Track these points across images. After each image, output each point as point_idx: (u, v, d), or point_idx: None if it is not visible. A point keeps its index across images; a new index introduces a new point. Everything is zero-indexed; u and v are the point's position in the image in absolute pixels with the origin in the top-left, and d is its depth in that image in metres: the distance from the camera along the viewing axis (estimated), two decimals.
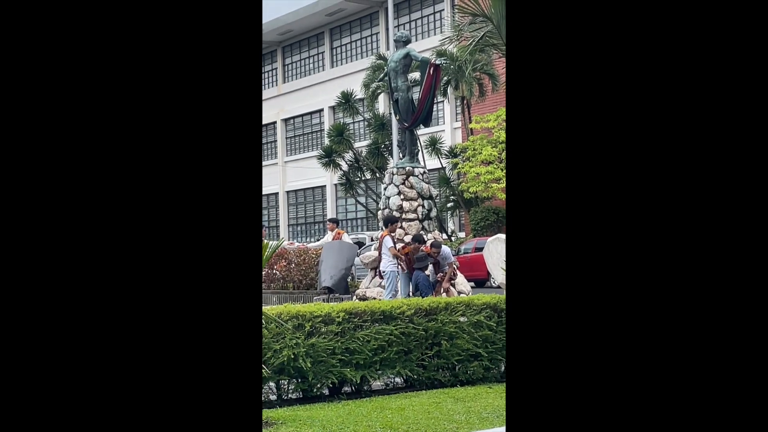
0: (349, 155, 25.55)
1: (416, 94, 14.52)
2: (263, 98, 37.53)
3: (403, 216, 13.81)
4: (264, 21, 35.47)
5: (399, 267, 12.21)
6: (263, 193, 37.51)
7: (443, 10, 30.53)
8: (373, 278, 13.83)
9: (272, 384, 7.55)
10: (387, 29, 29.77)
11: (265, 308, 7.35)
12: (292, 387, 7.63)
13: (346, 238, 15.56)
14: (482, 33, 13.51)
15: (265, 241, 13.41)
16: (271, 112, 37.23)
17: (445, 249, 12.28)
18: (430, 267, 11.95)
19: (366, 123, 27.34)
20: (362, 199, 27.51)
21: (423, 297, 9.94)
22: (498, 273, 17.02)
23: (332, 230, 15.46)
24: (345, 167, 25.63)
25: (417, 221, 13.86)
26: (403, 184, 14.08)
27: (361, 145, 27.13)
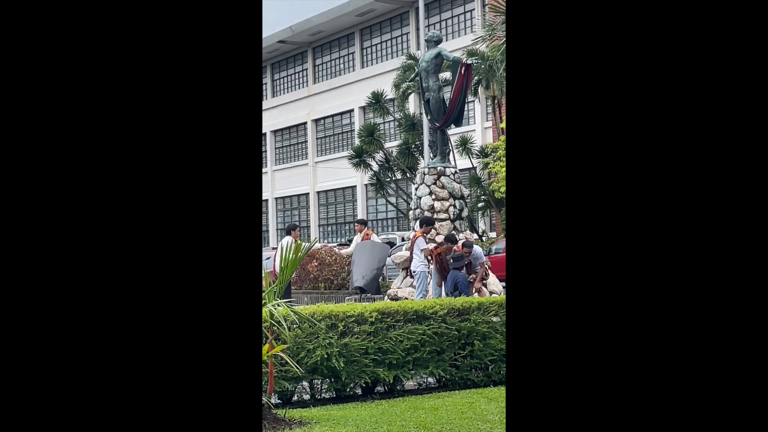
0: (379, 155, 25.56)
1: (447, 94, 14.51)
2: (293, 99, 37.70)
3: (435, 216, 13.80)
4: (294, 22, 35.60)
5: (429, 267, 12.20)
6: (294, 193, 37.67)
7: (474, 9, 30.45)
8: (404, 278, 13.82)
9: (305, 383, 7.58)
10: (417, 29, 29.76)
11: (298, 308, 7.39)
12: (326, 386, 7.66)
13: (375, 238, 15.56)
14: None
15: (299, 241, 13.44)
16: (302, 112, 37.36)
17: (477, 249, 12.26)
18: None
19: (396, 123, 27.34)
20: (393, 200, 27.52)
21: (467, 296, 9.96)
22: None
23: (360, 231, 15.47)
24: (375, 167, 25.65)
25: (448, 221, 13.84)
26: (435, 184, 14.06)
27: (392, 145, 27.13)
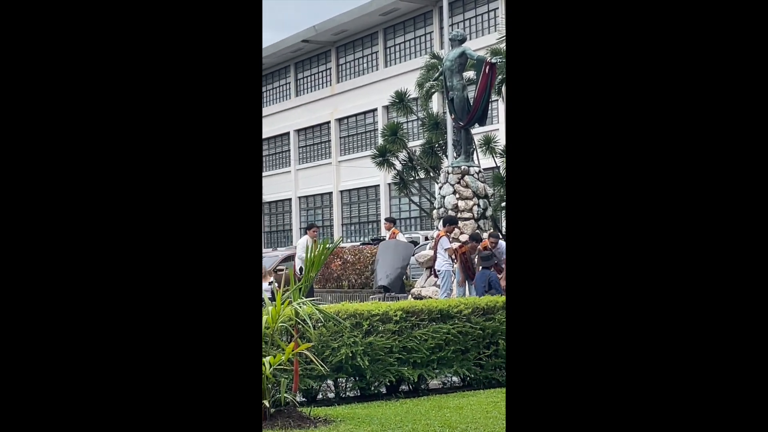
0: (402, 154, 25.54)
1: (471, 93, 14.47)
2: (317, 98, 37.76)
3: (459, 215, 13.79)
4: (318, 21, 35.66)
5: (453, 266, 12.20)
6: (318, 192, 37.74)
7: (498, 8, 30.34)
8: (428, 277, 13.82)
9: (330, 382, 7.60)
10: (441, 28, 29.70)
11: (323, 306, 7.40)
12: (350, 385, 7.68)
13: (401, 237, 15.57)
14: None
15: (316, 240, 13.42)
16: (325, 111, 37.44)
17: (502, 243, 12.28)
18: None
19: (420, 122, 27.30)
20: (416, 199, 27.49)
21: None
22: None
23: (389, 229, 15.48)
24: (399, 166, 25.63)
25: (472, 220, 13.83)
26: (459, 183, 14.05)
27: (415, 144, 27.10)
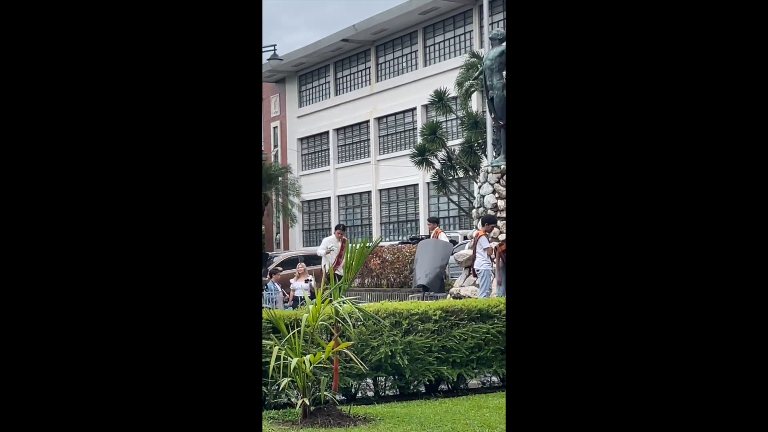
0: (441, 154, 25.51)
1: None
2: (356, 97, 37.83)
3: (498, 215, 13.74)
4: (357, 21, 35.70)
5: (493, 266, 12.15)
6: (357, 191, 37.82)
7: None
8: (467, 277, 13.79)
9: (369, 380, 7.63)
10: (481, 27, 29.60)
11: (363, 305, 7.43)
12: (389, 384, 7.69)
13: (443, 237, 15.56)
14: None
15: (345, 238, 13.40)
16: (364, 110, 37.51)
17: None
18: None
19: (459, 121, 27.25)
20: (455, 198, 27.44)
21: None
22: None
23: (432, 229, 15.48)
24: (438, 166, 25.61)
25: None
26: (498, 182, 13.99)
27: (454, 143, 27.05)
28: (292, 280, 15.61)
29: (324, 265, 14.07)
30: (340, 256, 13.76)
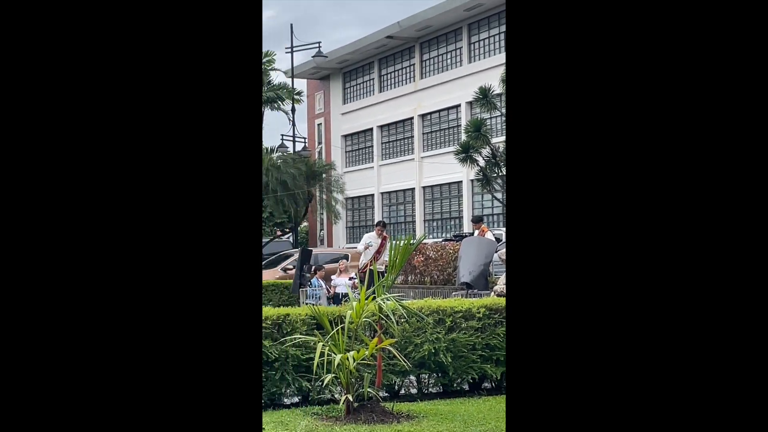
0: (486, 151, 25.41)
1: None
2: (400, 94, 37.84)
3: None
4: (402, 17, 35.70)
5: None
6: (400, 188, 37.83)
7: None
8: None
9: (413, 378, 7.63)
10: None
11: (406, 302, 7.43)
12: (433, 381, 7.69)
13: (489, 235, 15.50)
14: None
15: (386, 235, 13.35)
16: (408, 107, 37.50)
17: None
18: None
19: (503, 118, 27.10)
20: (499, 195, 27.30)
21: None
22: None
23: (477, 228, 15.43)
24: (482, 163, 25.51)
25: None
26: None
27: (499, 140, 26.92)
28: (333, 276, 15.68)
29: (292, 267, 14.14)
30: (378, 252, 13.79)
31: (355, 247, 17.03)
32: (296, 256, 23.90)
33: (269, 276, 19.77)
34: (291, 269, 21.89)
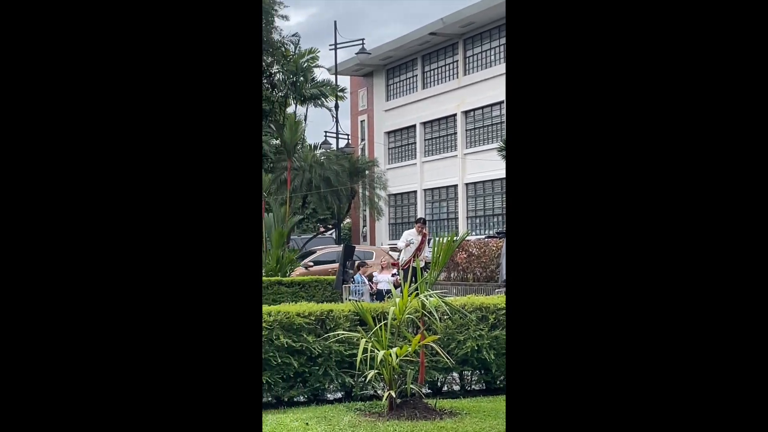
0: None
1: None
2: (443, 91, 37.75)
3: None
4: (446, 14, 35.61)
5: None
6: (443, 185, 37.76)
7: None
8: None
9: (456, 374, 7.63)
10: None
11: (449, 299, 7.43)
12: (475, 378, 7.68)
13: None
14: None
15: (426, 232, 13.31)
16: (452, 104, 37.41)
17: None
18: None
19: None
20: None
21: None
22: None
23: None
24: None
25: None
26: None
27: None
28: (375, 273, 15.72)
29: (401, 259, 14.16)
30: (419, 249, 13.80)
31: (396, 244, 17.06)
32: (319, 253, 24.02)
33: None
34: (312, 266, 22.01)
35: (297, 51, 37.36)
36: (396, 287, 12.23)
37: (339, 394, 7.37)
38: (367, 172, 34.07)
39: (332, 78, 37.50)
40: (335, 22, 41.18)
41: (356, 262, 16.07)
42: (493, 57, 36.09)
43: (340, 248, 18.90)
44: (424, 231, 14.28)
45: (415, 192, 39.51)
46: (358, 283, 15.03)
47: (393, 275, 14.97)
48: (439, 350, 6.80)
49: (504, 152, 25.31)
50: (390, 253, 23.09)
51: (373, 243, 38.16)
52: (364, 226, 41.75)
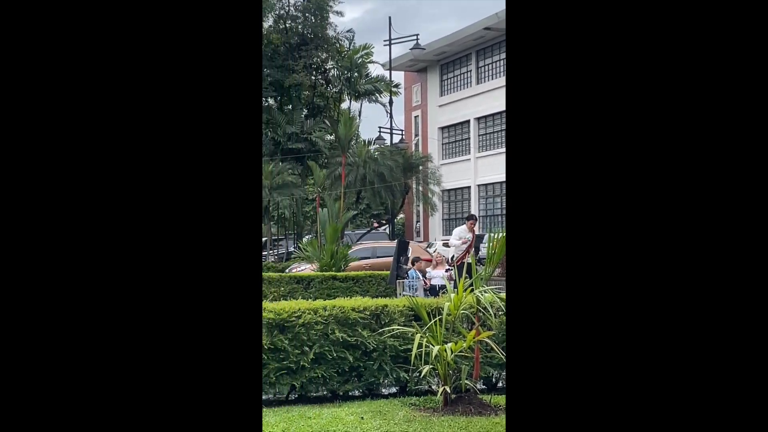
0: None
1: None
2: (497, 86, 37.55)
3: None
4: (500, 9, 35.40)
5: None
6: (497, 180, 37.56)
7: None
8: None
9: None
10: None
11: (504, 295, 7.40)
12: None
13: None
14: None
15: (475, 230, 13.24)
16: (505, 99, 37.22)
17: None
18: None
19: None
20: None
21: None
22: None
23: None
24: None
25: None
26: None
27: None
28: (429, 269, 15.72)
29: (453, 256, 14.17)
30: (470, 246, 13.78)
31: (447, 240, 17.03)
32: (354, 248, 24.16)
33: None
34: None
35: (351, 47, 37.50)
36: (450, 281, 12.23)
37: (394, 389, 7.40)
38: (420, 167, 34.06)
39: (386, 74, 37.57)
40: (390, 17, 41.26)
41: (410, 258, 16.09)
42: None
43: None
44: (474, 228, 14.30)
45: (468, 188, 39.37)
46: (413, 278, 15.05)
47: (446, 270, 14.96)
48: (494, 346, 6.79)
49: None
50: (426, 249, 23.06)
51: (426, 239, 38.13)
52: (417, 222, 41.74)
